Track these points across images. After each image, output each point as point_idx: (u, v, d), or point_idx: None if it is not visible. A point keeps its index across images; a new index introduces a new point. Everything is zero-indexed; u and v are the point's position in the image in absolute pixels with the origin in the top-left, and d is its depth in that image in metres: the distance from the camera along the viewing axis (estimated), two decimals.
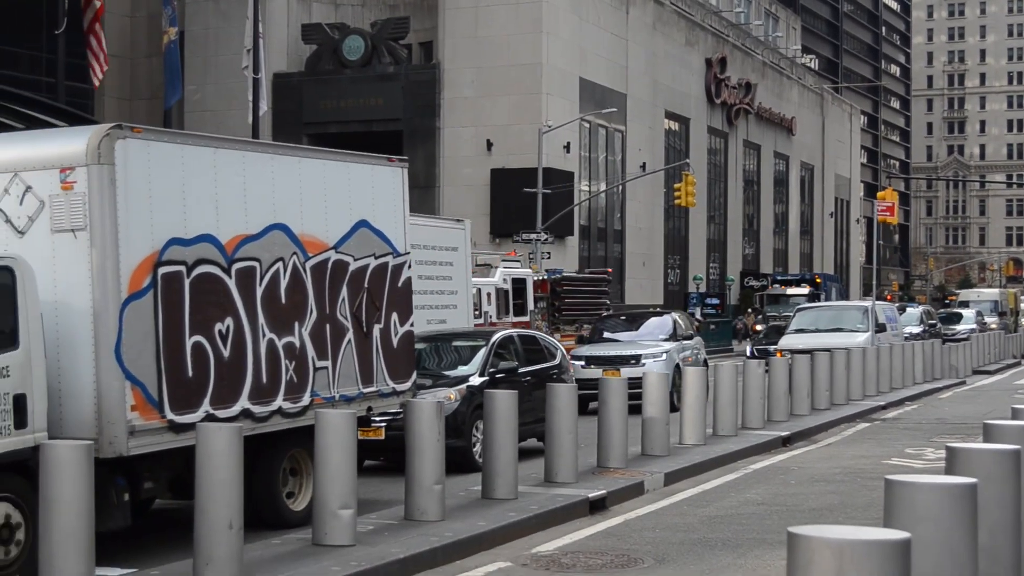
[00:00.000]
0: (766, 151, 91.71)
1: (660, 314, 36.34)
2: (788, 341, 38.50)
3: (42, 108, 31.22)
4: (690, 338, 33.56)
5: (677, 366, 29.17)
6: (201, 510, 11.89)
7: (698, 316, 59.06)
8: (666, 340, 32.15)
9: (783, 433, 23.93)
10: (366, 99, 54.59)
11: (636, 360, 29.80)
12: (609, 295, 41.33)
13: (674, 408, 22.38)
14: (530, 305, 38.82)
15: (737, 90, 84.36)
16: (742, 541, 14.36)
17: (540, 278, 40.21)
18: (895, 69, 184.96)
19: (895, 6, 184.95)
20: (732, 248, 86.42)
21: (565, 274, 42.59)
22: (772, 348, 39.69)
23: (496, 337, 22.23)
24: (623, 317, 38.92)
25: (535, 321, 38.96)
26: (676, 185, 55.13)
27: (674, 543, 14.22)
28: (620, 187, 64.24)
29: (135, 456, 13.10)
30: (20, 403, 12.27)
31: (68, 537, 10.55)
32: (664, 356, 30.53)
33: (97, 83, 36.51)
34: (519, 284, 38.85)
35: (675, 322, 33.84)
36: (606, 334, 33.65)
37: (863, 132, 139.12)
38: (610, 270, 45.63)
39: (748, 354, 42.40)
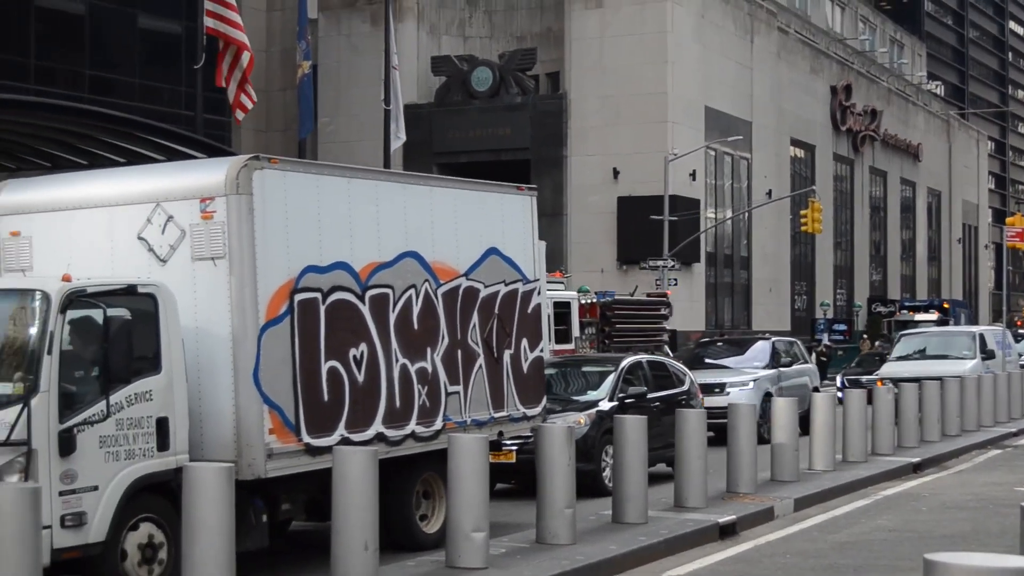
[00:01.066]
0: (892, 177, 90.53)
1: (764, 339, 34.56)
2: (890, 369, 35.77)
3: (182, 140, 31.62)
4: (789, 365, 31.96)
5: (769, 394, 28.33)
6: (337, 531, 12.00)
7: (826, 342, 58.35)
8: (763, 367, 30.99)
9: (914, 459, 23.55)
10: (494, 129, 54.81)
11: (720, 389, 28.71)
12: (668, 319, 38.35)
13: (763, 440, 21.30)
14: (575, 331, 35.31)
15: (863, 117, 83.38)
16: (874, 567, 14.15)
17: (589, 301, 37.12)
18: (1022, 94, 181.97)
19: (1021, 31, 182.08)
20: (859, 274, 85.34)
21: (618, 297, 39.26)
22: (865, 379, 36.60)
23: (625, 363, 22.20)
24: (719, 344, 37.58)
25: (581, 348, 35.72)
26: (803, 212, 54.63)
27: (805, 569, 14.05)
28: (746, 214, 63.81)
29: (273, 478, 13.22)
30: (163, 426, 12.45)
31: (210, 557, 10.69)
32: (752, 385, 29.42)
33: (237, 120, 37.05)
34: (562, 308, 34.80)
35: (775, 349, 32.34)
36: (706, 360, 32.59)
37: (990, 158, 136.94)
38: (669, 292, 43.25)
39: (839, 384, 38.72)
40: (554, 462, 14.69)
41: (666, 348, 33.04)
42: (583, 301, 36.56)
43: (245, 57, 35.39)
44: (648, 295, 41.51)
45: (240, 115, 36.09)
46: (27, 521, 9.49)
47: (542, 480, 14.76)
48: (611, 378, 21.49)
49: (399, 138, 39.49)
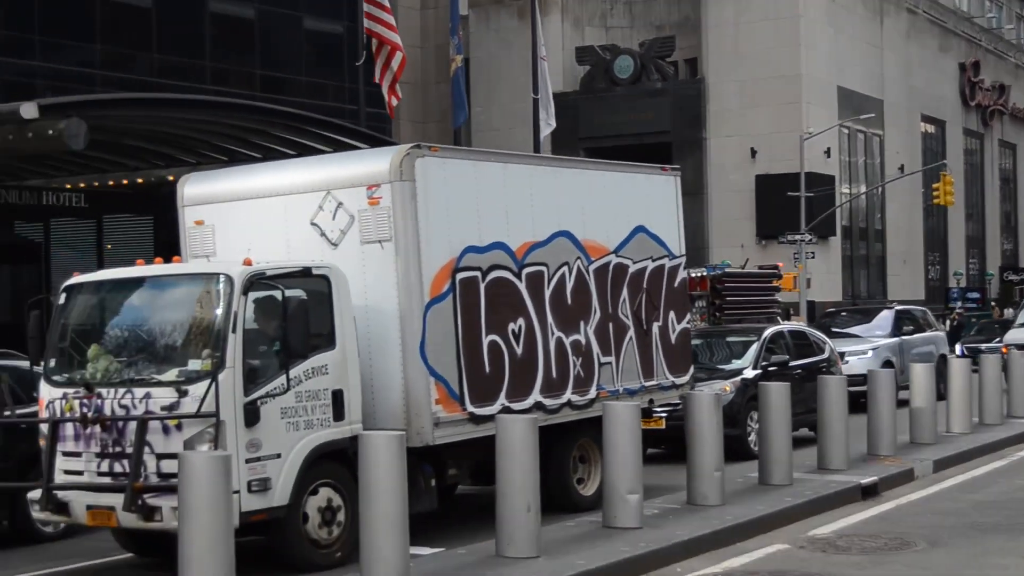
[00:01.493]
0: (1022, 150, 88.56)
1: (888, 309, 33.66)
2: (1015, 335, 34.24)
3: (347, 133, 32.11)
4: (912, 333, 31.14)
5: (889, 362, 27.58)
6: (502, 494, 12.10)
7: (958, 310, 57.24)
8: (885, 336, 30.41)
9: None
10: (637, 114, 54.56)
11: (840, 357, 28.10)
12: (779, 291, 36.58)
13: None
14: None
15: (991, 92, 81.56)
16: (1014, 525, 13.92)
17: (699, 275, 35.39)
18: None
19: None
20: (991, 244, 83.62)
21: (728, 270, 37.32)
22: (984, 346, 35.18)
23: (768, 332, 22.11)
24: (844, 313, 36.70)
25: (691, 322, 33.34)
26: (934, 185, 53.56)
27: (946, 527, 13.85)
28: (880, 189, 62.81)
29: (440, 445, 13.40)
30: (338, 398, 12.65)
31: (385, 519, 10.81)
32: (870, 353, 28.88)
33: (391, 113, 37.40)
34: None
35: (898, 317, 31.58)
36: (833, 329, 31.73)
37: None
38: (781, 264, 41.68)
39: (958, 353, 36.76)
40: (703, 427, 14.66)
41: (778, 320, 31.73)
42: (693, 275, 35.23)
43: (397, 58, 35.79)
44: (759, 267, 40.00)
45: (390, 111, 36.48)
46: (219, 486, 9.75)
47: (692, 445, 14.74)
48: (754, 347, 21.41)
49: (549, 125, 39.52)
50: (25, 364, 14.55)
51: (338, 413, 12.63)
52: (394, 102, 36.37)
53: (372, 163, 13.56)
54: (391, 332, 13.17)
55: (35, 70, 39.39)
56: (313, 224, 13.52)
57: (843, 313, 36.81)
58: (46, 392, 12.58)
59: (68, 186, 36.62)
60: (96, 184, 36.07)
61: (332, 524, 12.53)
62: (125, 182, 35.55)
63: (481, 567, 11.75)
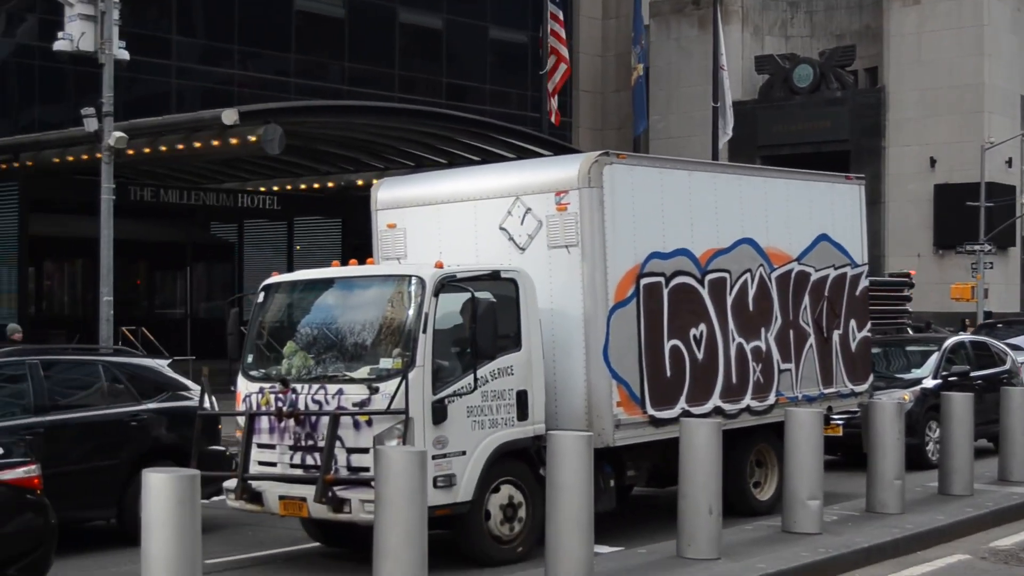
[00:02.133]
0: None
1: None
2: None
3: (531, 140, 32.34)
4: None
5: None
6: (684, 496, 12.07)
7: None
8: None
9: None
10: (815, 123, 53.77)
11: None
12: (910, 300, 34.67)
13: None
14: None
15: None
16: None
17: None
18: None
19: None
20: None
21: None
22: None
23: (948, 343, 21.65)
24: (1000, 325, 35.20)
25: None
26: None
27: None
28: None
29: (620, 447, 13.35)
30: (522, 398, 12.69)
31: (571, 517, 10.84)
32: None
33: (555, 119, 37.49)
34: None
35: None
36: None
37: None
38: (913, 272, 39.94)
39: None
40: (885, 436, 14.40)
41: (908, 331, 30.16)
42: None
43: (560, 71, 35.96)
44: (890, 275, 38.33)
45: (554, 117, 36.67)
46: (416, 479, 9.87)
47: (872, 452, 14.49)
48: (934, 357, 20.96)
49: (727, 133, 39.27)
50: (142, 361, 15.11)
51: (522, 413, 12.67)
52: (553, 104, 36.44)
53: (561, 170, 13.57)
54: (575, 335, 13.16)
55: (233, 78, 40.35)
56: (502, 229, 13.58)
57: (1000, 325, 35.52)
58: (243, 386, 12.83)
59: (262, 189, 37.47)
60: (288, 187, 36.86)
61: (513, 520, 12.57)
62: (316, 186, 36.27)
63: (662, 567, 11.72)
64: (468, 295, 12.16)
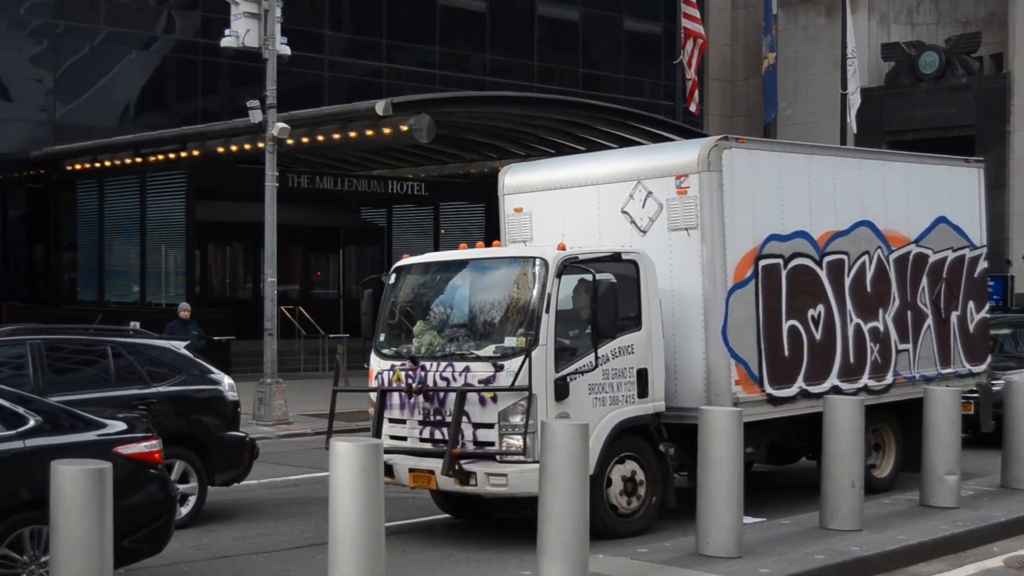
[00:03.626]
0: None
1: None
2: None
3: (663, 126, 31.91)
4: None
5: None
6: (827, 471, 11.92)
7: None
8: None
9: None
10: (940, 108, 52.27)
11: None
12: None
13: None
14: None
15: None
16: None
17: None
18: None
19: None
20: None
21: None
22: None
23: None
24: None
25: None
26: None
27: None
28: None
29: None
30: (642, 376, 12.38)
31: (722, 488, 10.79)
32: None
33: (695, 109, 36.98)
34: None
35: None
36: None
37: None
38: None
39: None
40: (1019, 415, 13.86)
41: None
42: None
43: (695, 48, 35.37)
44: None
45: (692, 106, 36.12)
46: (578, 450, 9.73)
47: (1008, 430, 14.07)
48: None
49: (854, 120, 38.32)
50: (155, 342, 13.96)
51: (642, 391, 12.37)
52: (695, 96, 35.93)
53: (681, 154, 13.21)
54: (695, 316, 12.82)
55: (381, 70, 40.48)
56: (623, 212, 13.27)
57: None
58: (376, 363, 12.71)
59: (410, 176, 37.53)
60: (435, 174, 36.89)
61: (633, 495, 12.27)
62: (461, 172, 36.24)
63: (808, 537, 11.54)
64: (589, 276, 11.88)
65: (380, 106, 26.82)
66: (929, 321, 15.13)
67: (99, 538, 7.57)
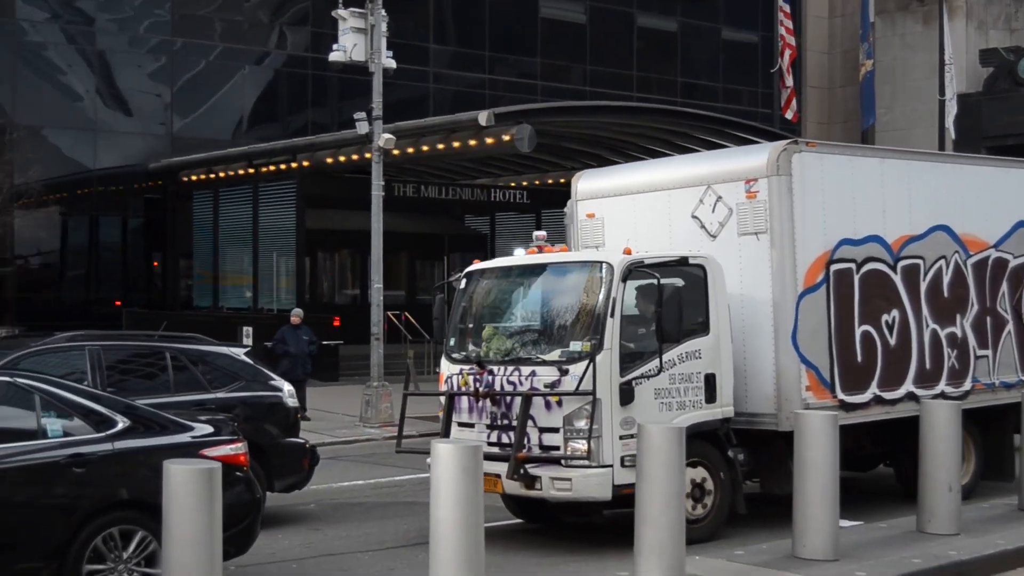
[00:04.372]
0: None
1: None
2: None
3: (760, 133, 31.21)
4: None
5: None
6: (925, 474, 11.58)
7: None
8: None
9: None
10: None
11: None
12: None
13: None
14: None
15: None
16: None
17: None
18: None
19: None
20: None
21: None
22: None
23: None
24: None
25: None
26: None
27: None
28: None
29: None
30: (710, 381, 11.93)
31: (818, 491, 10.57)
32: None
33: (792, 116, 36.27)
34: None
35: None
36: None
37: None
38: None
39: None
40: None
41: None
42: None
43: (786, 56, 34.78)
44: None
45: (789, 113, 35.46)
46: (673, 453, 9.61)
47: None
48: None
49: (951, 126, 37.27)
50: (215, 349, 13.60)
51: (710, 396, 11.91)
52: (792, 103, 35.29)
53: (750, 159, 12.72)
54: (764, 320, 12.31)
55: (484, 82, 40.31)
56: (694, 217, 12.82)
57: None
58: (446, 368, 12.42)
59: (512, 184, 37.28)
60: (536, 182, 36.59)
61: (700, 501, 11.80)
62: (562, 180, 35.80)
63: (906, 540, 11.26)
64: (654, 280, 11.45)
65: (483, 117, 26.77)
66: (1010, 327, 14.40)
67: (208, 535, 7.64)
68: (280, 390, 13.49)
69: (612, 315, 11.34)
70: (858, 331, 12.77)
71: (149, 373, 12.99)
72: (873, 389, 12.83)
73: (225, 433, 9.77)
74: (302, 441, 13.59)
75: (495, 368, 11.80)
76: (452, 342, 12.56)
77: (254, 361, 13.70)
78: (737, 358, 12.22)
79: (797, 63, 35.11)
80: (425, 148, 28.58)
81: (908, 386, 13.18)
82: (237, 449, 9.64)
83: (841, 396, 12.52)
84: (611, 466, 11.17)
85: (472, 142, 27.88)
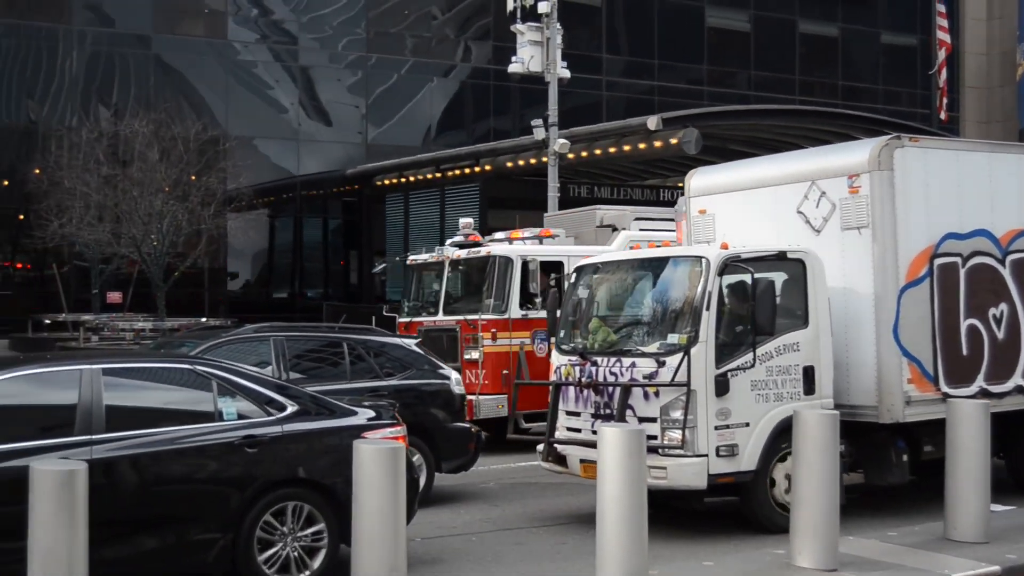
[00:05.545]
0: None
1: None
2: None
3: (919, 134, 29.82)
4: None
5: None
6: None
7: None
8: None
9: None
10: None
11: None
12: None
13: None
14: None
15: None
16: None
17: None
18: None
19: None
20: None
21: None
22: None
23: None
24: None
25: None
26: None
27: None
28: None
29: (914, 422, 11.51)
30: (809, 374, 11.15)
31: (970, 476, 10.24)
32: None
33: (944, 116, 34.59)
34: None
35: None
36: None
37: None
38: None
39: None
40: None
41: None
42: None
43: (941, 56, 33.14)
44: None
45: (943, 113, 33.80)
46: (827, 437, 9.33)
47: None
48: None
49: None
50: (389, 339, 13.41)
51: (808, 388, 11.12)
52: (944, 104, 33.68)
53: (853, 154, 11.86)
54: (865, 313, 11.46)
55: (653, 89, 39.62)
56: (798, 212, 12.03)
57: None
58: (555, 359, 11.99)
59: (679, 184, 36.47)
60: None
61: None
62: None
63: None
64: (749, 275, 10.76)
65: (652, 121, 26.61)
66: None
67: (393, 508, 7.76)
68: (448, 378, 13.27)
69: (707, 308, 10.72)
70: (964, 325, 11.79)
71: (328, 361, 12.97)
72: (979, 383, 11.83)
73: (386, 418, 9.69)
74: (468, 425, 13.34)
75: (599, 359, 11.30)
76: (562, 334, 12.11)
77: (425, 351, 13.58)
78: (839, 351, 11.42)
79: (955, 64, 33.40)
80: (598, 152, 28.49)
81: (1017, 380, 12.12)
82: (396, 432, 9.52)
83: (945, 389, 11.57)
84: (706, 456, 10.57)
85: (642, 145, 27.65)
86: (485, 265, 17.08)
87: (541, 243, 17.48)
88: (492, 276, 16.85)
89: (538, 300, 16.52)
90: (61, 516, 6.95)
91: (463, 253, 17.52)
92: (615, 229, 18.27)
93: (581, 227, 18.74)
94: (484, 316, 16.65)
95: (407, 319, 17.87)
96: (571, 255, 16.87)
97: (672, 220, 17.55)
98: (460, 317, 16.87)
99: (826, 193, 11.77)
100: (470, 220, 18.51)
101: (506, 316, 16.56)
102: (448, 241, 18.11)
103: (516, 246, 17.41)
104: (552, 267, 17.01)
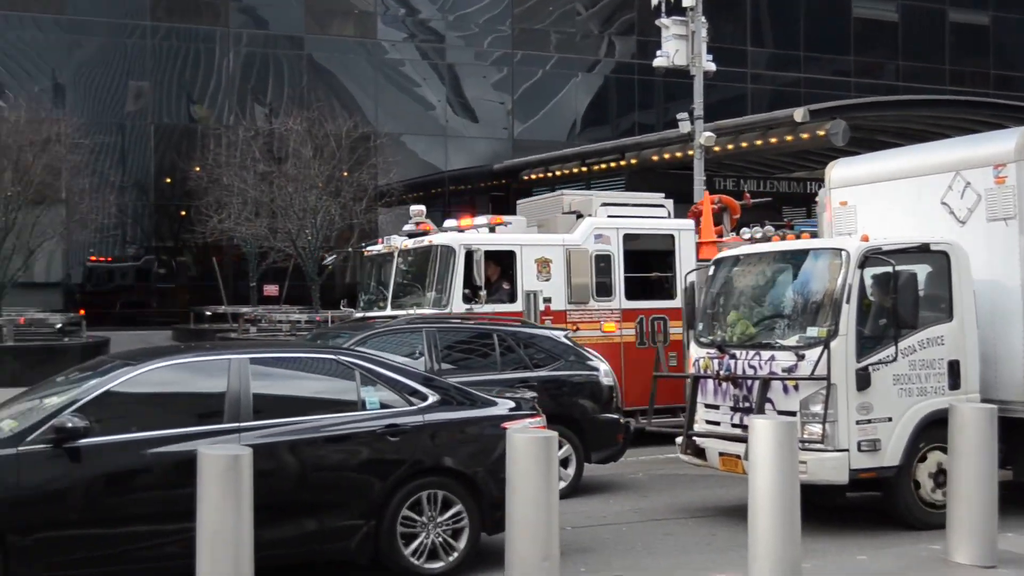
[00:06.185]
0: None
1: None
2: None
3: None
4: None
5: None
6: None
7: None
8: None
9: None
10: None
11: None
12: None
13: None
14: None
15: None
16: None
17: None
18: None
19: None
20: None
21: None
22: None
23: None
24: None
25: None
26: None
27: None
28: None
29: None
30: (954, 368, 10.79)
31: None
32: None
33: None
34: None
35: None
36: None
37: None
38: None
39: None
40: None
41: None
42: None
43: None
44: None
45: None
46: (985, 433, 9.21)
47: None
48: None
49: None
50: (539, 331, 13.18)
51: (954, 383, 10.76)
52: None
53: (998, 144, 11.42)
54: (1014, 306, 11.04)
55: (799, 81, 38.88)
56: (943, 203, 11.64)
57: None
58: (694, 351, 11.83)
59: None
60: None
61: (943, 486, 10.67)
62: None
63: None
64: (890, 267, 10.45)
65: (798, 113, 26.16)
66: None
67: (546, 495, 7.76)
68: (596, 370, 13.16)
69: (848, 301, 10.44)
70: None
71: (479, 353, 12.98)
72: None
73: (526, 408, 9.71)
74: (616, 417, 13.19)
75: (737, 352, 11.11)
76: (700, 327, 11.95)
77: (574, 343, 13.48)
78: (987, 345, 11.02)
79: None
80: (744, 144, 28.17)
81: None
82: (536, 423, 9.54)
83: None
84: (847, 450, 10.29)
85: (788, 138, 27.20)
86: (428, 256, 15.61)
87: (492, 231, 15.90)
88: (434, 267, 15.35)
89: (483, 294, 15.17)
90: (228, 500, 7.06)
91: (411, 243, 16.02)
92: (580, 216, 16.88)
93: (546, 214, 17.43)
94: (423, 310, 15.15)
95: (361, 313, 16.60)
96: (522, 244, 15.77)
97: (643, 206, 17.27)
98: (403, 312, 15.31)
99: (971, 183, 11.37)
100: (422, 208, 16.85)
101: (447, 310, 14.95)
102: (403, 229, 16.63)
103: (461, 235, 15.59)
104: (501, 257, 15.72)
